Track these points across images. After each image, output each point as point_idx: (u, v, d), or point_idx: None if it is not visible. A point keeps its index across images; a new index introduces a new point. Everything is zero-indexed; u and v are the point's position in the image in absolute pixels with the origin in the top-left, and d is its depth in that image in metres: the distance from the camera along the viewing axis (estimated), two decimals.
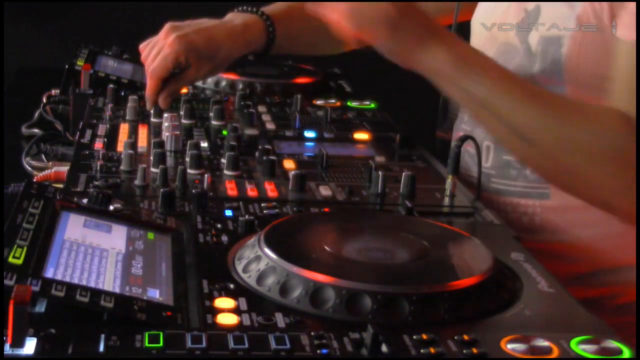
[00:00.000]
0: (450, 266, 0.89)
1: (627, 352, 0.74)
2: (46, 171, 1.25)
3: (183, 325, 0.76)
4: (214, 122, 1.44)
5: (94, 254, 0.85)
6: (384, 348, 0.72)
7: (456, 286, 0.81)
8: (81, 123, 1.42)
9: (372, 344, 0.72)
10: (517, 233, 1.05)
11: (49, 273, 0.78)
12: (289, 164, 1.25)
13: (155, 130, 1.39)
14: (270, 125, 1.45)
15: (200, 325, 0.76)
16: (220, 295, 0.82)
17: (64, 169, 1.21)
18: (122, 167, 1.18)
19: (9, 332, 0.69)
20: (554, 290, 0.87)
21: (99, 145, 1.29)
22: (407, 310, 0.79)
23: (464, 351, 0.73)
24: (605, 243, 1.24)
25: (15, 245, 0.79)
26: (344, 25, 1.11)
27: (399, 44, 1.10)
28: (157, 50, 1.38)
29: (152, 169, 1.17)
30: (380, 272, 0.85)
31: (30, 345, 0.70)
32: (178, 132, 1.31)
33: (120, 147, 1.27)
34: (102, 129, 1.37)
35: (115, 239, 0.90)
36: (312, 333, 0.75)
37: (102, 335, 0.72)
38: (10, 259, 0.77)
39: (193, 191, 1.06)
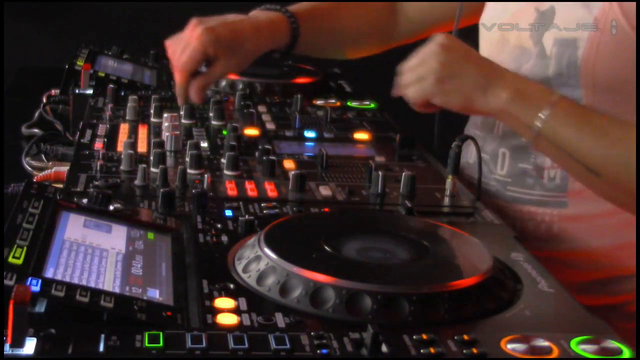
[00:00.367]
0: (450, 266, 0.89)
1: (627, 352, 0.74)
2: (46, 171, 1.25)
3: (183, 325, 0.76)
4: (214, 122, 1.44)
5: (94, 254, 0.85)
6: (384, 348, 0.72)
7: (456, 286, 0.81)
8: (81, 123, 1.42)
9: (372, 344, 0.72)
10: (534, 242, 1.06)
11: (49, 273, 0.78)
12: (289, 164, 1.25)
13: (155, 130, 1.39)
14: (270, 125, 1.45)
15: (200, 325, 0.76)
16: (220, 295, 0.82)
17: (64, 169, 1.21)
18: (122, 167, 1.18)
19: (9, 332, 0.69)
20: (554, 290, 0.87)
21: (99, 145, 1.29)
22: (407, 310, 0.79)
23: (464, 351, 0.73)
24: (622, 251, 1.24)
25: (15, 245, 0.79)
26: (414, 98, 1.19)
27: (458, 96, 1.16)
28: (185, 44, 1.37)
29: (152, 169, 1.17)
30: (380, 272, 0.85)
31: (30, 345, 0.70)
32: (178, 132, 1.31)
33: (120, 147, 1.27)
34: (102, 129, 1.37)
35: (115, 239, 0.90)
36: (312, 333, 0.75)
37: (102, 335, 0.72)
38: (10, 259, 0.77)
39: (193, 191, 1.06)
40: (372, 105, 1.61)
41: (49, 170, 1.25)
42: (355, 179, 1.21)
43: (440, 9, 1.49)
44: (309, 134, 1.42)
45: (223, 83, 1.65)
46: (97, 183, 1.12)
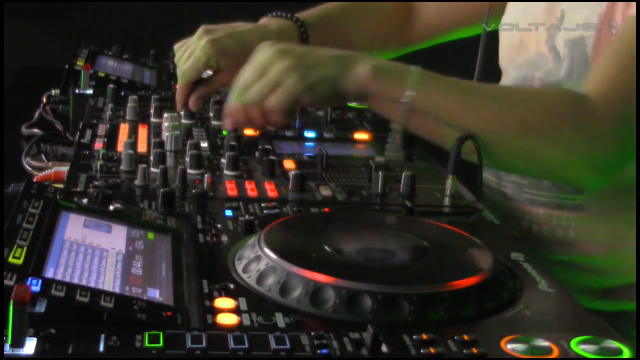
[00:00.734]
0: (450, 266, 0.89)
1: (627, 352, 0.74)
2: (46, 171, 1.25)
3: (183, 325, 0.76)
4: (214, 122, 1.44)
5: (94, 254, 0.85)
6: (384, 348, 0.72)
7: (456, 286, 0.81)
8: (81, 123, 1.42)
9: (372, 344, 0.72)
10: (550, 246, 1.04)
11: (49, 273, 0.78)
12: (289, 164, 1.25)
13: (155, 130, 1.39)
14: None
15: (200, 325, 0.76)
16: (220, 295, 0.82)
17: (64, 169, 1.21)
18: (122, 167, 1.18)
19: (9, 332, 0.69)
20: (554, 290, 0.87)
21: (99, 145, 1.29)
22: (407, 310, 0.79)
23: (464, 351, 0.73)
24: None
25: (15, 245, 0.79)
26: (281, 104, 1.11)
27: (325, 84, 1.10)
28: (189, 53, 1.37)
29: (152, 169, 1.17)
30: (380, 272, 0.85)
31: (30, 345, 0.70)
32: (178, 132, 1.31)
33: (120, 147, 1.27)
34: (102, 129, 1.37)
35: (115, 239, 0.90)
36: (312, 333, 0.75)
37: (102, 335, 0.72)
38: (10, 259, 0.77)
39: (193, 191, 1.06)
40: None
41: (49, 170, 1.25)
42: (355, 179, 1.21)
43: (457, 12, 1.49)
44: (309, 134, 1.42)
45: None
46: (97, 183, 1.12)
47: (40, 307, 0.76)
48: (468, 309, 0.81)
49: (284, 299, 0.81)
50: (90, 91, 1.61)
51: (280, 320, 0.78)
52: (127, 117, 1.45)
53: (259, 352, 0.72)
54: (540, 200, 1.26)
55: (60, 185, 1.13)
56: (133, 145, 1.26)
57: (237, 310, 0.79)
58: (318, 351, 0.72)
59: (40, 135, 1.48)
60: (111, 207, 0.96)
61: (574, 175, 1.11)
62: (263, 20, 1.45)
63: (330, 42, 1.49)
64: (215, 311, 0.79)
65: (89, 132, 1.35)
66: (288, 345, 0.73)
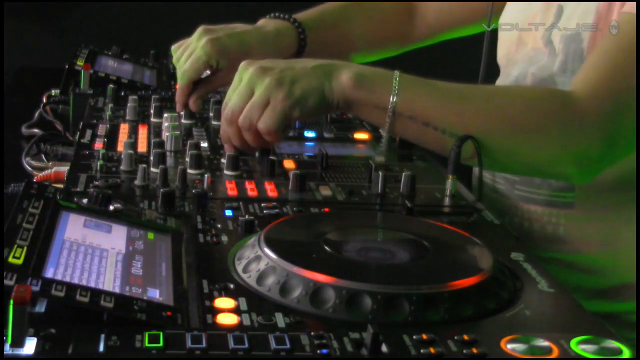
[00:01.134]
0: (450, 266, 0.89)
1: (627, 352, 0.74)
2: (46, 171, 1.25)
3: (183, 325, 0.76)
4: (214, 122, 1.44)
5: (94, 254, 0.85)
6: (384, 348, 0.72)
7: (456, 286, 0.81)
8: (81, 123, 1.42)
9: (372, 344, 0.72)
10: (540, 243, 1.05)
11: (49, 273, 0.78)
12: (289, 164, 1.25)
13: (155, 130, 1.39)
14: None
15: (200, 325, 0.76)
16: (220, 295, 0.82)
17: (64, 169, 1.21)
18: (122, 167, 1.18)
19: (9, 332, 0.69)
20: (554, 290, 0.87)
21: (99, 145, 1.29)
22: (407, 310, 0.79)
23: (464, 351, 0.73)
24: (629, 257, 1.24)
25: (15, 245, 0.79)
26: (273, 125, 1.12)
27: (312, 95, 1.11)
28: (189, 53, 1.38)
29: (152, 169, 1.17)
30: (380, 272, 0.85)
31: (30, 345, 0.70)
32: (178, 132, 1.31)
33: (120, 147, 1.27)
34: (102, 129, 1.37)
35: (115, 239, 0.90)
36: (312, 333, 0.75)
37: (102, 335, 0.72)
38: (10, 259, 0.77)
39: (193, 191, 1.06)
40: None
41: (49, 170, 1.25)
42: (355, 179, 1.21)
43: (458, 11, 1.49)
44: (309, 134, 1.42)
45: None
46: (97, 183, 1.12)
47: (40, 307, 0.76)
48: (468, 309, 0.81)
49: (284, 299, 0.81)
50: (90, 91, 1.61)
51: (280, 320, 0.78)
52: (127, 117, 1.45)
53: (259, 352, 0.72)
54: (531, 198, 1.27)
55: (60, 185, 1.13)
56: (133, 145, 1.26)
57: (237, 310, 0.79)
58: (318, 351, 0.72)
59: (40, 135, 1.48)
60: (111, 207, 0.96)
61: (561, 171, 1.12)
62: (261, 22, 1.45)
63: (329, 43, 1.49)
64: (215, 311, 0.79)
65: (89, 132, 1.35)
66: (288, 345, 0.73)
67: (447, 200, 1.13)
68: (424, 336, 0.75)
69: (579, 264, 1.24)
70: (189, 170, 1.17)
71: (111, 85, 1.59)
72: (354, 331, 0.75)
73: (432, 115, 1.10)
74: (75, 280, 0.78)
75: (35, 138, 1.45)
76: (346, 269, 0.84)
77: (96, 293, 0.76)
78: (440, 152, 1.14)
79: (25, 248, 0.79)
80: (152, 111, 1.47)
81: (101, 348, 0.71)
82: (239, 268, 0.87)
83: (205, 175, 1.13)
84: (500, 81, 1.36)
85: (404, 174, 1.16)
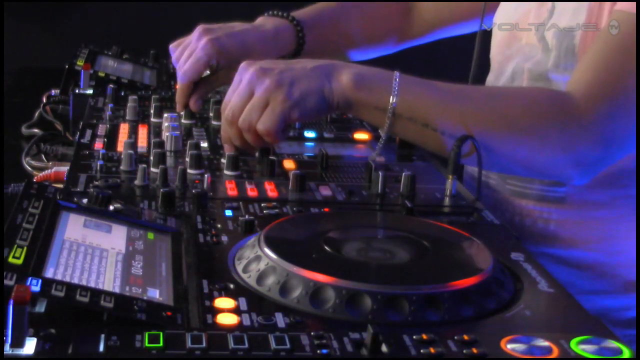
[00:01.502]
0: (450, 266, 0.89)
1: (627, 352, 0.74)
2: (46, 171, 1.25)
3: (183, 325, 0.76)
4: (214, 122, 1.44)
5: (94, 254, 0.85)
6: (384, 348, 0.72)
7: (456, 286, 0.81)
8: (81, 123, 1.42)
9: (372, 344, 0.72)
10: (531, 238, 1.05)
11: (49, 273, 0.78)
12: (289, 164, 1.25)
13: (155, 130, 1.39)
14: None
15: (200, 325, 0.76)
16: (220, 295, 0.82)
17: (64, 169, 1.21)
18: (122, 167, 1.18)
19: (9, 332, 0.69)
20: (554, 290, 0.87)
21: (99, 145, 1.29)
22: (407, 310, 0.79)
23: (464, 351, 0.73)
24: (621, 253, 1.24)
25: (15, 245, 0.79)
26: (272, 126, 1.11)
27: (311, 97, 1.11)
28: (189, 53, 1.37)
29: (152, 169, 1.17)
30: (380, 272, 0.85)
31: (30, 345, 0.70)
32: (178, 132, 1.31)
33: (120, 147, 1.27)
34: (102, 129, 1.37)
35: (115, 239, 0.90)
36: (312, 333, 0.75)
37: (102, 335, 0.72)
38: (10, 259, 0.77)
39: (193, 191, 1.06)
40: None
41: (49, 170, 1.25)
42: (355, 179, 1.21)
43: (455, 9, 1.49)
44: (309, 134, 1.42)
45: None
46: (97, 183, 1.12)
47: (40, 307, 0.76)
48: (468, 309, 0.81)
49: (284, 299, 0.81)
50: (90, 91, 1.61)
51: (280, 320, 0.78)
52: (127, 117, 1.45)
53: (259, 352, 0.72)
54: (523, 192, 1.27)
55: (60, 185, 1.13)
56: (133, 145, 1.26)
57: (237, 310, 0.79)
58: (318, 351, 0.72)
59: (40, 135, 1.48)
60: (111, 207, 0.96)
61: (560, 173, 1.13)
62: (259, 20, 1.45)
63: (327, 41, 1.50)
64: (215, 311, 0.79)
65: (89, 132, 1.35)
66: (288, 345, 0.73)
67: (447, 200, 1.13)
68: (424, 336, 0.75)
69: (570, 259, 1.25)
70: (189, 170, 1.17)
71: (111, 85, 1.59)
72: (354, 331, 0.75)
73: (431, 116, 1.10)
74: (75, 280, 0.78)
75: (35, 138, 1.45)
76: (346, 269, 0.84)
77: (96, 293, 0.76)
78: (440, 153, 1.14)
79: (25, 248, 0.79)
80: (152, 111, 1.47)
81: (101, 348, 0.71)
82: (239, 268, 0.87)
83: (205, 175, 1.13)
84: (495, 77, 1.36)
85: (404, 174, 1.16)
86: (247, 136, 1.14)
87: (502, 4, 1.37)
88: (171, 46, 1.43)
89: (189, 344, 0.72)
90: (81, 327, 0.73)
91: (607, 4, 1.17)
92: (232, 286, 0.84)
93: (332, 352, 0.72)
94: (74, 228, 0.89)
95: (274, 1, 1.51)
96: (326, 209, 1.09)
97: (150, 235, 0.94)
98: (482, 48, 1.37)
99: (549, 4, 1.26)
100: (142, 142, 1.32)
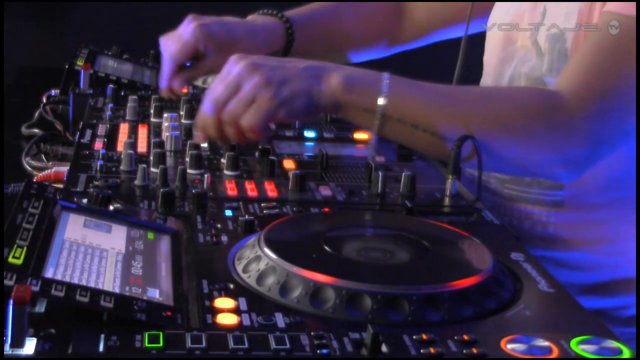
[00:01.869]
0: (450, 266, 0.89)
1: (627, 352, 0.74)
2: (46, 171, 1.25)
3: (183, 325, 0.76)
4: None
5: (94, 254, 0.85)
6: (384, 348, 0.72)
7: (456, 286, 0.81)
8: (81, 123, 1.42)
9: (372, 344, 0.72)
10: (529, 241, 1.05)
11: (49, 273, 0.78)
12: (289, 164, 1.25)
13: (155, 130, 1.39)
14: (270, 125, 1.45)
15: (200, 325, 0.76)
16: (220, 295, 0.82)
17: (64, 169, 1.21)
18: (122, 167, 1.18)
19: (9, 332, 0.69)
20: (554, 290, 0.87)
21: (99, 145, 1.29)
22: (407, 310, 0.79)
23: (464, 351, 0.73)
24: (618, 256, 1.24)
25: (15, 245, 0.79)
26: (257, 123, 1.10)
27: (299, 98, 1.10)
28: (177, 38, 1.38)
29: (152, 169, 1.17)
30: (380, 272, 0.85)
31: (30, 345, 0.70)
32: (178, 132, 1.31)
33: (120, 147, 1.27)
34: (102, 129, 1.37)
35: (115, 239, 0.90)
36: (312, 333, 0.75)
37: (102, 335, 0.72)
38: (10, 259, 0.77)
39: (193, 191, 1.06)
40: None
41: (49, 170, 1.25)
42: (355, 179, 1.21)
43: (448, 11, 1.49)
44: (309, 134, 1.42)
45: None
46: (97, 183, 1.12)
47: (40, 307, 0.76)
48: (468, 309, 0.81)
49: (284, 299, 0.81)
50: (90, 91, 1.61)
51: (280, 320, 0.78)
52: (127, 117, 1.45)
53: (259, 352, 0.72)
54: (521, 196, 1.28)
55: (60, 185, 1.13)
56: (133, 145, 1.26)
57: (237, 310, 0.79)
58: (318, 351, 0.72)
59: (40, 135, 1.48)
60: (111, 207, 0.96)
61: (549, 171, 1.14)
62: (250, 17, 1.45)
63: (317, 40, 1.50)
64: (215, 311, 0.79)
65: (89, 132, 1.35)
66: (288, 345, 0.73)
67: (447, 200, 1.13)
68: (424, 336, 0.75)
69: (569, 261, 1.25)
70: (189, 170, 1.17)
71: (111, 85, 1.59)
72: (354, 331, 0.75)
73: (421, 117, 1.10)
74: (75, 280, 0.78)
75: (35, 138, 1.45)
76: (346, 269, 0.84)
77: (96, 293, 0.76)
78: (431, 154, 1.14)
79: (25, 248, 0.79)
80: (152, 111, 1.47)
81: (101, 348, 0.71)
82: (239, 268, 0.87)
83: (205, 175, 1.13)
84: (493, 82, 1.36)
85: (404, 174, 1.16)
86: (228, 129, 1.12)
87: (496, 6, 1.38)
88: (161, 38, 1.43)
89: (189, 344, 0.72)
90: (81, 327, 0.73)
91: (597, 5, 1.17)
92: (232, 286, 0.84)
93: (332, 352, 0.72)
94: (74, 228, 0.89)
95: (274, 1, 1.51)
96: (326, 209, 1.09)
97: (150, 235, 0.94)
98: (468, 52, 1.36)
99: (541, 6, 1.26)
100: (142, 142, 1.32)
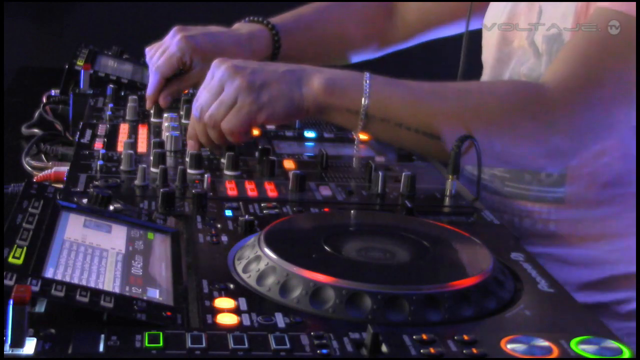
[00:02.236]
0: (450, 266, 0.89)
1: (627, 352, 0.74)
2: (46, 171, 1.25)
3: (183, 325, 0.76)
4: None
5: (94, 254, 0.85)
6: (384, 348, 0.72)
7: (456, 286, 0.81)
8: (81, 123, 1.42)
9: (372, 344, 0.72)
10: (530, 239, 1.06)
11: (49, 273, 0.78)
12: (289, 164, 1.25)
13: (155, 130, 1.39)
14: (270, 125, 1.45)
15: (200, 325, 0.76)
16: (220, 295, 0.82)
17: (64, 169, 1.21)
18: (122, 167, 1.18)
19: (9, 332, 0.69)
20: (554, 290, 0.87)
21: (99, 145, 1.29)
22: (407, 310, 0.79)
23: (464, 351, 0.73)
24: (619, 251, 1.25)
25: (15, 245, 0.79)
26: (239, 126, 1.12)
27: (280, 101, 1.11)
28: (163, 50, 1.38)
29: (152, 169, 1.17)
30: (380, 272, 0.85)
31: (30, 345, 0.70)
32: (178, 132, 1.31)
33: (120, 147, 1.27)
34: (102, 129, 1.37)
35: (115, 239, 0.90)
36: (312, 333, 0.75)
37: (102, 335, 0.72)
38: (10, 259, 0.77)
39: (193, 191, 1.06)
40: None
41: (49, 170, 1.25)
42: (355, 179, 1.21)
43: (439, 11, 1.49)
44: (309, 134, 1.42)
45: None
46: (97, 183, 1.12)
47: (40, 307, 0.76)
48: (468, 309, 0.81)
49: (284, 299, 0.81)
50: (90, 91, 1.61)
51: (280, 320, 0.78)
52: (127, 117, 1.45)
53: (259, 352, 0.72)
54: (522, 194, 1.28)
55: (60, 185, 1.13)
56: (133, 145, 1.26)
57: (237, 310, 0.79)
58: (318, 351, 0.72)
59: (40, 135, 1.48)
60: (111, 207, 0.96)
61: (531, 162, 1.15)
62: (236, 25, 1.46)
63: (304, 46, 1.50)
64: (215, 311, 0.79)
65: (89, 132, 1.35)
66: (288, 346, 0.73)
67: (447, 200, 1.13)
68: (424, 336, 0.75)
69: (570, 257, 1.25)
70: (189, 170, 1.17)
71: (111, 85, 1.59)
72: (354, 331, 0.75)
73: (404, 115, 1.10)
74: (75, 280, 0.78)
75: (35, 138, 1.45)
76: (346, 269, 0.84)
77: (96, 293, 0.76)
78: (417, 151, 1.15)
79: (25, 248, 0.79)
80: (152, 111, 1.47)
81: (101, 348, 0.71)
82: (239, 268, 0.87)
83: (205, 175, 1.13)
84: (484, 78, 1.36)
85: (404, 174, 1.16)
86: (211, 133, 1.14)
87: (491, 6, 1.38)
88: (147, 48, 1.44)
89: (189, 344, 0.72)
90: (81, 327, 0.73)
91: (592, 6, 1.17)
92: (232, 286, 0.84)
93: (332, 352, 0.72)
94: (74, 228, 0.89)
95: (274, 2, 1.51)
96: (326, 209, 1.09)
97: (150, 235, 0.94)
98: (470, 51, 1.37)
99: (537, 7, 1.26)
100: (142, 142, 1.32)
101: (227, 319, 0.77)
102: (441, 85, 1.15)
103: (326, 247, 0.88)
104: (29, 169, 1.35)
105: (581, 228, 1.25)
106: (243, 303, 0.80)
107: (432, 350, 0.73)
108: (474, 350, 0.73)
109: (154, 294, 0.81)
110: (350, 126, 1.14)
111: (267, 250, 0.86)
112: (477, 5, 1.39)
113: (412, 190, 1.15)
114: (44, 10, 2.76)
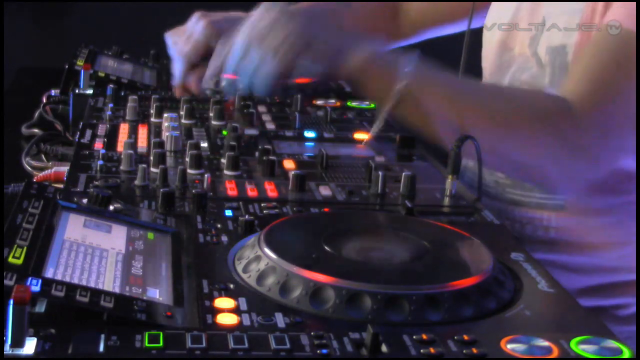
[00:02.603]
0: (450, 266, 0.89)
1: (627, 352, 0.74)
2: (46, 171, 1.25)
3: (183, 325, 0.76)
4: (214, 122, 1.44)
5: (94, 254, 0.85)
6: (384, 348, 0.73)
7: (456, 286, 0.81)
8: (81, 123, 1.42)
9: (372, 344, 0.72)
10: (531, 245, 1.06)
11: (49, 273, 0.78)
12: (289, 164, 1.25)
13: (155, 130, 1.39)
14: (270, 125, 1.45)
15: (200, 325, 0.76)
16: (220, 295, 0.82)
17: (64, 169, 1.21)
18: (122, 167, 1.18)
19: (9, 332, 0.69)
20: (554, 290, 0.87)
21: (99, 145, 1.29)
22: (407, 310, 0.79)
23: (464, 351, 0.73)
24: (620, 259, 1.25)
25: (15, 245, 0.79)
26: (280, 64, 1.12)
27: (328, 51, 1.11)
28: (188, 35, 1.38)
29: (152, 169, 1.17)
30: (380, 272, 0.85)
31: (30, 345, 0.70)
32: (178, 132, 1.31)
33: (120, 147, 1.27)
34: (102, 129, 1.37)
35: (115, 239, 0.90)
36: (312, 333, 0.75)
37: (102, 335, 0.72)
38: (10, 259, 0.77)
39: (193, 191, 1.06)
40: (372, 106, 1.61)
41: (49, 170, 1.25)
42: (355, 179, 1.21)
43: (444, 10, 1.49)
44: (309, 134, 1.42)
45: (223, 83, 1.64)
46: (97, 183, 1.12)
47: (40, 307, 0.76)
48: (468, 309, 0.81)
49: (284, 299, 0.81)
50: (90, 91, 1.61)
51: (280, 320, 0.78)
52: (127, 117, 1.45)
53: (259, 352, 0.72)
54: (522, 201, 1.28)
55: (60, 185, 1.13)
56: (133, 145, 1.26)
57: (237, 310, 0.79)
58: (318, 351, 0.72)
59: (40, 135, 1.48)
60: (111, 207, 0.96)
61: (545, 181, 1.14)
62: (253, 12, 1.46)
63: None
64: (215, 311, 0.79)
65: (89, 132, 1.35)
66: (288, 345, 0.73)
67: (447, 200, 1.13)
68: (424, 336, 0.75)
69: (571, 264, 1.25)
70: (189, 170, 1.17)
71: (111, 85, 1.59)
72: (354, 331, 0.75)
73: (437, 105, 1.10)
74: (75, 280, 0.78)
75: (35, 138, 1.45)
76: (346, 269, 0.84)
77: (96, 293, 0.76)
78: (435, 141, 1.15)
79: (25, 248, 0.79)
80: (152, 111, 1.47)
81: (101, 348, 0.71)
82: (239, 268, 0.87)
83: (205, 175, 1.13)
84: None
85: (404, 174, 1.16)
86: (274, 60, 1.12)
87: (492, 7, 1.37)
88: (167, 34, 1.43)
89: (189, 344, 0.72)
90: (81, 327, 0.73)
91: (598, 13, 1.17)
92: (232, 286, 0.84)
93: (332, 352, 0.72)
94: (74, 228, 0.89)
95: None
96: (326, 209, 1.09)
97: (150, 235, 0.94)
98: (470, 50, 1.37)
99: (540, 15, 1.26)
100: (142, 142, 1.32)
101: (227, 319, 0.77)
102: (477, 83, 1.15)
103: (326, 247, 0.88)
104: (29, 169, 1.35)
105: (582, 235, 1.25)
106: (243, 303, 0.80)
107: (432, 350, 0.73)
108: (474, 350, 0.73)
109: (154, 294, 0.81)
110: (380, 100, 1.14)
111: (267, 250, 0.86)
112: (479, 5, 1.39)
113: (412, 190, 1.15)
114: (44, 10, 2.77)
